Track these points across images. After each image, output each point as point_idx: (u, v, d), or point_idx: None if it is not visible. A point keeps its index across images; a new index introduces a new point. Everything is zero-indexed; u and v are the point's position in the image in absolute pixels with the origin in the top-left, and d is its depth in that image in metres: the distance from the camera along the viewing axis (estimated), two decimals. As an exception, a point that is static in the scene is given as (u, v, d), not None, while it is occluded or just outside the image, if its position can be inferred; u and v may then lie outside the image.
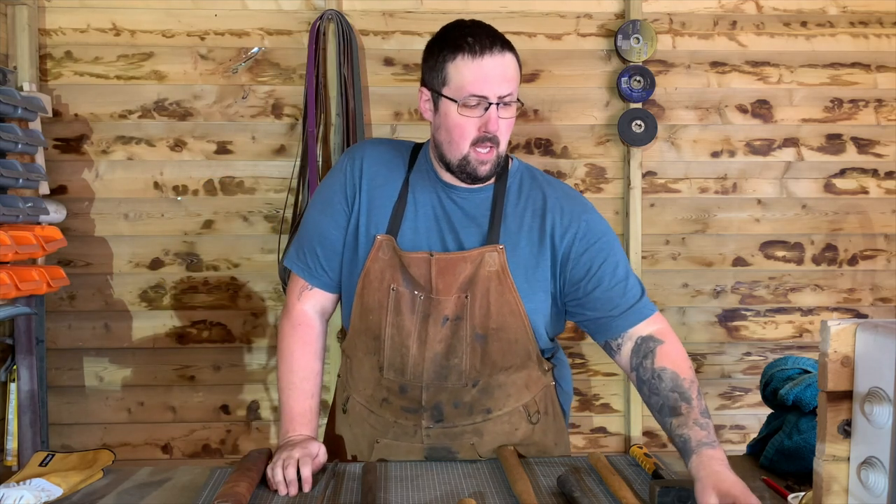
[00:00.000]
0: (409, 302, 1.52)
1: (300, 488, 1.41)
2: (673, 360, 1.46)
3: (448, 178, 1.54)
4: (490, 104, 1.44)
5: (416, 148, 1.62)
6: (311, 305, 1.63)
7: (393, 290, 1.52)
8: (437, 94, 1.49)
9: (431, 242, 1.52)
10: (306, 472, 1.41)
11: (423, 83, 1.53)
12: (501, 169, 1.55)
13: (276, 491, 1.41)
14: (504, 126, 1.48)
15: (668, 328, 1.52)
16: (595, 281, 1.51)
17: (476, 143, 1.46)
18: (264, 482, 1.45)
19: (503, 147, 1.49)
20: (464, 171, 1.49)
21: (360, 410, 1.63)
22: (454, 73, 1.45)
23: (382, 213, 1.54)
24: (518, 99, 1.49)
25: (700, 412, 1.38)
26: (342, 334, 1.73)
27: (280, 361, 1.64)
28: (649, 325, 1.51)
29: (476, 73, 1.44)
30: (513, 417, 1.58)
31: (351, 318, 1.58)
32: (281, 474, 1.41)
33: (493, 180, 1.55)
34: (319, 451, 1.49)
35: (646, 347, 1.48)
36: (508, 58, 1.47)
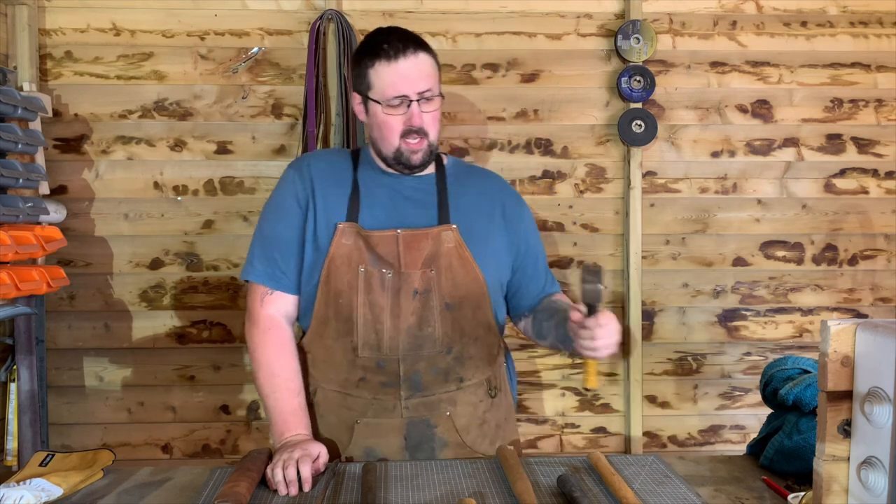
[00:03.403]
0: (379, 280, 1.62)
1: (300, 488, 1.41)
2: (563, 297, 1.78)
3: (390, 169, 1.70)
4: (411, 101, 1.61)
5: (356, 151, 1.77)
6: (276, 309, 1.69)
7: (362, 270, 1.61)
8: (365, 98, 1.66)
9: (391, 224, 1.64)
10: (305, 472, 1.42)
11: (354, 89, 1.70)
12: (438, 162, 1.75)
13: (276, 491, 1.41)
14: (429, 119, 1.64)
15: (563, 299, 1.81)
16: (531, 258, 1.77)
17: (405, 136, 1.63)
18: (264, 482, 1.45)
19: (433, 137, 1.67)
20: (399, 161, 1.66)
21: (333, 397, 1.66)
22: (375, 77, 1.62)
23: (339, 209, 1.66)
24: (441, 94, 1.66)
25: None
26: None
27: (258, 370, 1.68)
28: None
29: (393, 76, 1.60)
30: (478, 389, 1.70)
31: (315, 309, 1.65)
32: (281, 474, 1.41)
33: (432, 169, 1.74)
34: (320, 452, 1.51)
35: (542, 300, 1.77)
36: (423, 57, 1.64)
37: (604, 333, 1.47)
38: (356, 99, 1.70)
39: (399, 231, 1.62)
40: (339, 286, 1.62)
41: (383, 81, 1.61)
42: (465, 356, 1.66)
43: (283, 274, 1.68)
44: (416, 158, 1.65)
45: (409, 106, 1.61)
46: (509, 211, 1.76)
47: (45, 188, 2.30)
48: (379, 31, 1.67)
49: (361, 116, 1.70)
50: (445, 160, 1.78)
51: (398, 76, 1.60)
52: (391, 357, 1.62)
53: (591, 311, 1.48)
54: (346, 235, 1.62)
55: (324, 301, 1.64)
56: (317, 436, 1.66)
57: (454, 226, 1.66)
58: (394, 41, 1.62)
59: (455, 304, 1.64)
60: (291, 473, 1.42)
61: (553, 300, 1.76)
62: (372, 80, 1.64)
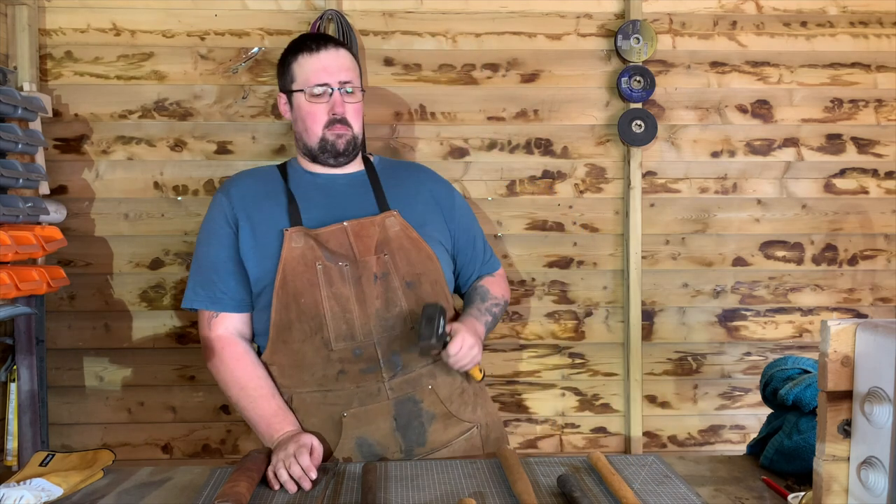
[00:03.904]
0: (339, 272, 1.66)
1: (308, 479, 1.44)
2: (490, 283, 1.90)
3: (320, 169, 1.79)
4: (333, 90, 1.72)
5: (283, 164, 1.85)
6: (224, 329, 1.73)
7: (320, 266, 1.65)
8: (289, 93, 1.77)
9: (334, 220, 1.70)
10: (305, 462, 1.45)
11: (280, 90, 1.82)
12: (367, 161, 1.84)
13: (279, 489, 1.42)
14: (351, 110, 1.75)
15: (502, 276, 1.97)
16: (468, 240, 1.88)
17: (329, 125, 1.72)
18: (264, 482, 1.45)
19: (357, 129, 1.76)
20: (325, 150, 1.74)
21: (312, 399, 1.68)
22: (298, 70, 1.75)
23: (279, 218, 1.70)
24: (362, 90, 1.79)
25: (486, 308, 1.83)
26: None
27: (228, 389, 1.72)
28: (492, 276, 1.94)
29: (316, 65, 1.72)
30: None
31: (272, 317, 1.66)
32: (286, 474, 1.43)
33: (362, 166, 1.83)
34: (313, 442, 1.54)
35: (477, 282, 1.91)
36: (343, 52, 1.77)
37: (456, 361, 1.64)
38: (281, 99, 1.81)
39: (346, 223, 1.69)
40: (298, 287, 1.64)
41: (306, 72, 1.73)
42: None
43: (224, 293, 1.72)
44: (341, 143, 1.74)
45: (331, 95, 1.72)
46: (440, 197, 1.85)
47: (45, 188, 2.30)
48: (301, 35, 1.83)
49: (287, 115, 1.81)
50: (373, 158, 1.88)
51: (320, 65, 1.72)
52: (367, 343, 1.65)
53: (444, 344, 1.64)
54: (296, 239, 1.66)
55: (283, 306, 1.65)
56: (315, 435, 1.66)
57: (395, 212, 1.74)
58: (316, 38, 1.77)
59: (414, 281, 1.71)
60: (297, 470, 1.44)
61: (475, 286, 1.90)
62: (295, 73, 1.75)
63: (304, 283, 1.64)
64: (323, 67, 1.72)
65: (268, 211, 1.72)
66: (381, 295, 1.67)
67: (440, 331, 1.60)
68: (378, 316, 1.66)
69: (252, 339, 1.78)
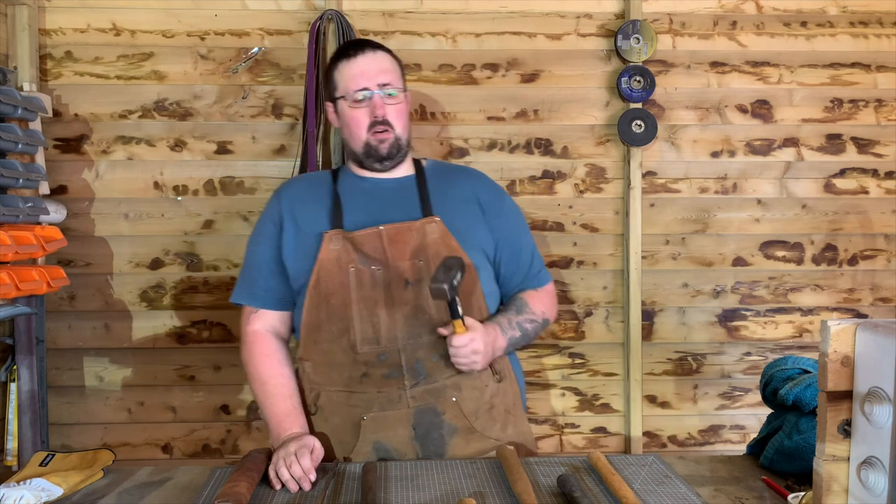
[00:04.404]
0: (370, 276, 1.67)
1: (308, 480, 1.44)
2: (532, 297, 1.81)
3: (368, 173, 1.80)
4: (373, 93, 1.73)
5: (336, 170, 1.88)
6: (261, 325, 1.78)
7: (352, 269, 1.67)
8: (334, 101, 1.81)
9: (373, 224, 1.71)
10: (306, 463, 1.46)
11: (327, 99, 1.86)
12: (418, 165, 1.83)
13: (280, 489, 1.42)
14: (393, 111, 1.76)
15: (548, 292, 1.86)
16: (511, 251, 1.81)
17: (371, 128, 1.74)
18: (264, 482, 1.45)
19: (399, 130, 1.77)
20: (369, 154, 1.76)
21: (337, 398, 1.68)
22: (339, 77, 1.78)
23: (322, 220, 1.74)
24: (405, 91, 1.80)
25: (517, 322, 1.75)
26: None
27: (251, 382, 1.76)
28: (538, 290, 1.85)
29: (354, 71, 1.75)
30: (483, 374, 1.71)
31: (304, 316, 1.70)
32: (287, 473, 1.44)
33: (412, 170, 1.82)
34: (315, 444, 1.54)
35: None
36: (381, 54, 1.79)
37: (454, 353, 1.60)
38: (329, 108, 1.84)
39: (382, 227, 1.69)
40: (330, 287, 1.66)
41: (345, 77, 1.76)
42: None
43: (265, 291, 1.77)
44: (384, 148, 1.75)
45: (371, 99, 1.74)
46: (488, 203, 1.81)
47: (45, 188, 2.30)
48: (344, 43, 1.86)
49: (335, 123, 1.84)
50: (425, 163, 1.86)
51: (358, 70, 1.75)
52: (391, 348, 1.64)
53: (453, 312, 1.58)
54: (334, 241, 1.68)
55: (314, 306, 1.68)
56: (322, 437, 1.67)
57: (437, 218, 1.72)
58: (354, 44, 1.81)
59: None
60: (297, 470, 1.46)
61: (515, 297, 1.82)
62: (337, 81, 1.78)
63: (335, 284, 1.66)
64: (361, 72, 1.74)
65: (313, 213, 1.76)
66: (411, 301, 1.66)
67: (454, 282, 1.54)
68: (405, 322, 1.65)
69: (290, 337, 1.83)
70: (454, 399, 1.66)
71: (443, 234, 1.70)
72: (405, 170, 1.83)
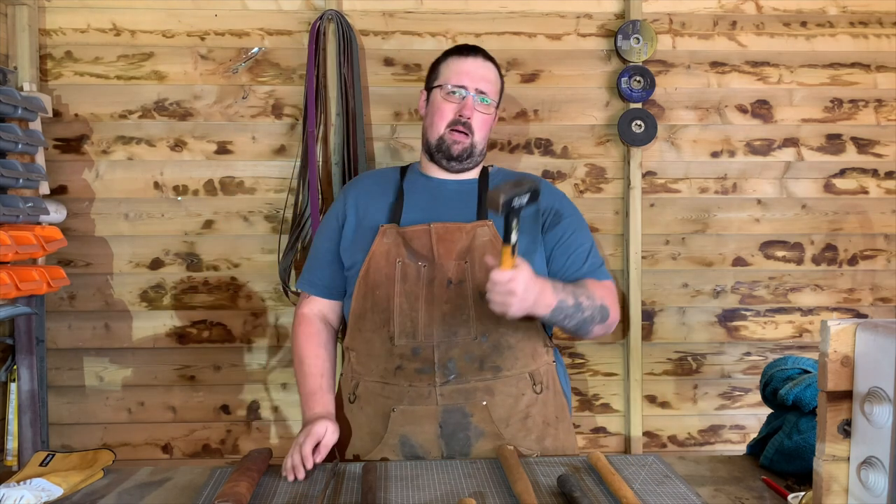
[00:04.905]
0: (415, 271, 1.70)
1: (306, 472, 1.49)
2: (592, 283, 1.71)
3: (436, 172, 1.84)
4: (468, 93, 1.78)
5: (406, 167, 1.91)
6: (310, 309, 1.86)
7: (399, 262, 1.70)
8: (430, 90, 1.85)
9: (427, 221, 1.73)
10: (306, 450, 1.51)
11: (424, 87, 1.90)
12: (484, 170, 1.86)
13: (293, 479, 1.47)
14: (479, 119, 1.79)
15: (608, 287, 1.74)
16: (565, 248, 1.77)
17: (452, 125, 1.77)
18: (264, 482, 1.46)
19: (478, 138, 1.80)
20: (440, 149, 1.80)
21: (373, 388, 1.71)
22: (444, 69, 1.83)
23: (382, 214, 1.78)
24: (498, 105, 1.85)
25: (573, 291, 1.60)
26: (342, 335, 1.85)
27: (294, 360, 1.83)
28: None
29: (460, 68, 1.80)
30: (520, 382, 1.68)
31: (352, 305, 1.75)
32: (290, 461, 1.49)
33: (476, 174, 1.85)
34: (326, 431, 1.59)
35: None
36: (490, 66, 1.84)
37: (490, 288, 1.46)
38: (422, 95, 1.89)
39: (431, 225, 1.71)
40: (377, 279, 1.71)
41: (450, 70, 1.81)
42: (503, 346, 1.67)
43: (319, 280, 1.85)
44: (457, 148, 1.78)
45: (464, 98, 1.78)
46: (545, 208, 1.81)
47: (45, 188, 2.30)
48: (459, 45, 1.92)
49: (422, 111, 1.88)
50: (491, 169, 1.89)
51: (464, 68, 1.80)
52: (426, 344, 1.66)
53: (505, 234, 1.45)
54: (387, 235, 1.73)
55: (361, 295, 1.73)
56: (356, 427, 1.73)
57: (490, 222, 1.73)
58: (469, 46, 1.87)
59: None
60: (297, 459, 1.50)
61: (577, 280, 1.72)
62: (441, 72, 1.84)
63: (382, 276, 1.71)
64: (466, 71, 1.79)
65: (375, 207, 1.80)
66: (452, 300, 1.67)
67: (515, 199, 1.43)
68: (443, 320, 1.66)
69: (339, 326, 1.90)
70: (484, 403, 1.65)
71: (493, 238, 1.71)
72: (471, 175, 1.86)
